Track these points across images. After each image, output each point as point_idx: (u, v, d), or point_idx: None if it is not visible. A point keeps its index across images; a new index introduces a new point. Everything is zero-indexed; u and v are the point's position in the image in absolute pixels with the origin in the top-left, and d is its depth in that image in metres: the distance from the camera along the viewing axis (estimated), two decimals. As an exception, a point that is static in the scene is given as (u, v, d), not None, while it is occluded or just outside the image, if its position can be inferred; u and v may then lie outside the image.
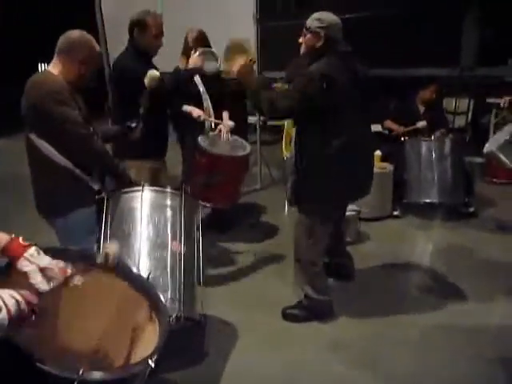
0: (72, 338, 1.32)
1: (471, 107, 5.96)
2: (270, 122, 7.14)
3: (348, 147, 2.46)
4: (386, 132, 4.72)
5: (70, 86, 2.22)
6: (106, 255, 1.43)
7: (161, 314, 1.41)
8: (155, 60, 3.03)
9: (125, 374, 1.26)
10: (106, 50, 5.63)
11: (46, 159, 2.20)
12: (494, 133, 5.23)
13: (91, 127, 2.31)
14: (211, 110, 3.48)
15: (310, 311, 2.77)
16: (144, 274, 1.98)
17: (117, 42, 3.74)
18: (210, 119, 3.39)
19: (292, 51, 2.69)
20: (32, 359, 1.12)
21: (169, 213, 2.27)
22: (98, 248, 2.12)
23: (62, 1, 8.89)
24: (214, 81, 3.40)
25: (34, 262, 1.28)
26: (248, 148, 3.17)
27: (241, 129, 3.77)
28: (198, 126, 3.40)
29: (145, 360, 1.27)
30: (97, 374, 1.19)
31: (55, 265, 1.30)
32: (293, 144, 2.85)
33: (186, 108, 3.37)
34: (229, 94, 3.74)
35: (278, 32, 5.37)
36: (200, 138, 3.05)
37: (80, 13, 6.12)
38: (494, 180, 5.02)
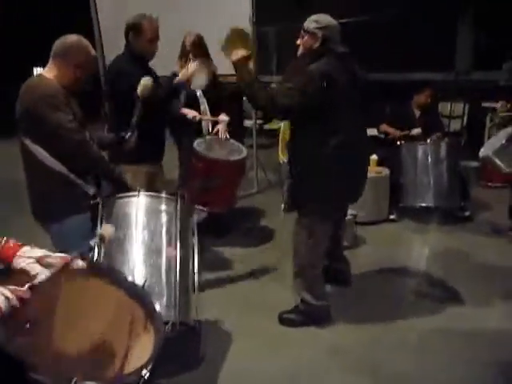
0: (66, 346, 1.30)
1: (466, 111, 5.99)
2: (266, 126, 7.16)
3: (345, 147, 2.47)
4: (382, 136, 4.73)
5: (64, 90, 2.22)
6: (102, 237, 1.42)
7: (156, 324, 1.39)
8: (152, 64, 3.02)
9: (118, 383, 1.25)
10: (103, 54, 5.63)
11: (40, 164, 2.18)
12: (489, 137, 5.26)
13: (86, 132, 2.30)
14: (208, 113, 3.48)
15: (306, 316, 2.76)
16: (139, 280, 1.97)
17: (113, 47, 3.74)
18: (206, 117, 3.39)
19: (288, 55, 2.70)
20: (24, 367, 1.10)
21: (164, 218, 2.26)
22: (93, 253, 2.12)
23: (57, 4, 8.88)
24: (211, 84, 3.40)
25: (29, 256, 1.27)
26: (244, 152, 3.17)
27: (237, 132, 3.77)
28: (195, 130, 3.40)
29: (139, 370, 1.26)
30: None
31: (52, 253, 1.30)
32: (287, 148, 2.83)
33: (182, 110, 3.37)
34: (226, 98, 3.74)
35: (274, 36, 5.38)
36: (196, 142, 3.04)
37: (76, 17, 6.11)
38: (490, 184, 5.03)
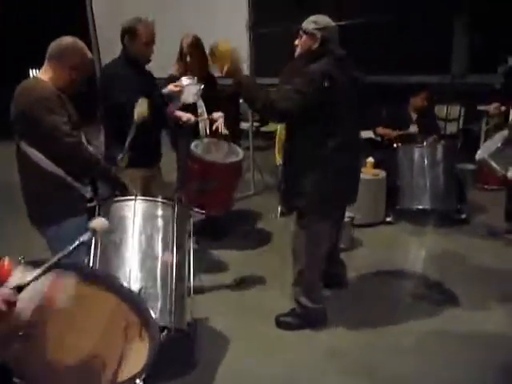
0: (60, 354, 1.29)
1: (462, 114, 6.01)
2: (263, 128, 7.16)
3: (343, 148, 2.48)
4: (379, 139, 4.74)
5: (60, 92, 2.21)
6: (94, 231, 1.39)
7: (151, 331, 1.38)
8: (150, 66, 3.02)
9: None
10: (99, 56, 5.62)
11: (36, 167, 2.17)
12: (485, 140, 5.27)
13: (81, 134, 2.29)
14: (206, 115, 3.48)
15: (303, 319, 2.76)
16: (135, 285, 1.96)
17: (109, 50, 3.74)
18: (200, 118, 3.38)
19: (285, 57, 2.70)
20: (13, 375, 1.09)
21: (160, 223, 2.26)
22: (88, 257, 2.11)
23: (53, 7, 8.87)
24: (208, 86, 3.40)
25: (20, 275, 1.24)
26: (241, 154, 3.17)
27: (234, 134, 3.77)
28: (192, 132, 3.40)
29: (132, 378, 1.24)
30: None
31: (44, 282, 1.26)
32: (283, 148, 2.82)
33: (176, 113, 3.36)
34: (223, 100, 3.74)
35: (270, 38, 5.39)
36: (193, 144, 3.04)
37: (72, 19, 6.10)
38: (486, 186, 5.05)
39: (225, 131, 3.35)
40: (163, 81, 3.02)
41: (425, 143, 3.88)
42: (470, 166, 5.02)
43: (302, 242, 2.64)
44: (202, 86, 3.24)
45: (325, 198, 2.53)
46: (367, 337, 2.68)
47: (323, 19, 2.52)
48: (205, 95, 3.48)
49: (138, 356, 1.32)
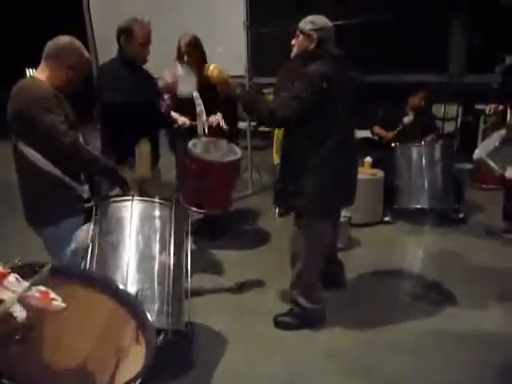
0: (56, 357, 1.27)
1: (460, 113, 6.02)
2: (260, 128, 7.15)
3: (340, 148, 2.47)
4: (376, 138, 4.74)
5: (57, 91, 2.20)
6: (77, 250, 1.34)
7: (148, 335, 1.37)
8: (147, 66, 3.01)
9: None
10: (96, 56, 5.61)
11: (33, 167, 2.16)
12: (483, 139, 5.28)
13: (79, 133, 2.28)
14: (204, 114, 3.46)
15: (301, 319, 2.75)
16: (132, 286, 1.95)
17: (107, 49, 3.73)
18: (195, 123, 3.37)
19: (282, 57, 2.70)
20: (2, 377, 1.07)
21: (158, 224, 2.24)
22: (85, 258, 2.10)
23: (50, 6, 8.85)
24: (206, 86, 3.39)
25: (13, 290, 1.22)
26: (239, 153, 3.16)
27: (232, 134, 3.76)
28: (189, 131, 3.38)
29: (129, 383, 1.23)
30: None
31: (35, 293, 1.24)
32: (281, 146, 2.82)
33: (172, 115, 3.35)
34: (222, 99, 3.73)
35: (268, 38, 5.39)
36: (191, 143, 3.03)
37: (69, 18, 6.08)
38: (483, 186, 5.06)
39: (225, 127, 3.36)
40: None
41: (423, 143, 3.89)
42: (468, 166, 5.03)
43: (301, 243, 2.63)
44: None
45: (325, 198, 2.52)
46: (366, 337, 2.68)
47: (320, 19, 2.51)
48: (203, 95, 3.48)
49: (134, 359, 1.31)
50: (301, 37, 2.51)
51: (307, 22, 2.49)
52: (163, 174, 3.27)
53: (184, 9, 5.07)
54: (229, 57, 4.69)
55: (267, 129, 6.25)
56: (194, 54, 3.48)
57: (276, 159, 4.88)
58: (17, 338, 1.10)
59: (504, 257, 3.58)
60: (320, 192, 2.50)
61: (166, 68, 3.49)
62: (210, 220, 3.80)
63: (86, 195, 2.26)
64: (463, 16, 5.85)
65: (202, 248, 3.73)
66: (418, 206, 3.73)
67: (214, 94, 3.63)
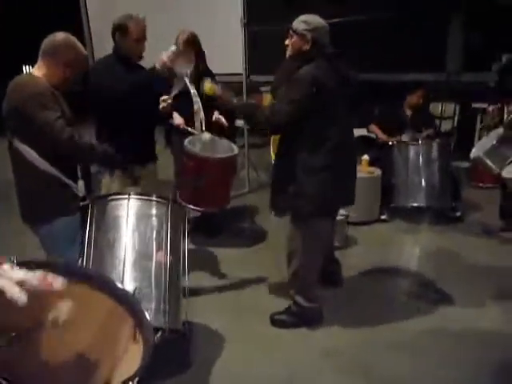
0: (53, 355, 1.26)
1: (457, 112, 6.03)
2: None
3: (339, 148, 2.46)
4: (374, 136, 4.74)
5: (53, 88, 2.18)
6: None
7: (145, 333, 1.36)
8: (147, 64, 2.99)
9: None
10: (92, 54, 5.59)
11: (28, 164, 2.15)
12: (480, 138, 5.29)
13: (75, 130, 2.27)
14: (202, 112, 3.45)
15: (298, 317, 2.75)
16: (129, 285, 1.94)
17: (103, 47, 3.71)
18: (189, 129, 3.36)
19: (280, 55, 2.68)
20: None
21: (154, 222, 2.23)
22: (82, 256, 2.09)
23: (47, 3, 8.80)
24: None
25: (9, 276, 1.21)
26: (235, 150, 3.15)
27: (229, 132, 3.75)
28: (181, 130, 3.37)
29: (125, 382, 1.22)
30: None
31: (33, 276, 1.23)
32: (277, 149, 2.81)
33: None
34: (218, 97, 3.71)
35: (265, 36, 5.37)
36: (187, 141, 3.02)
37: (66, 15, 6.05)
38: (480, 184, 5.07)
39: (226, 124, 3.36)
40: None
41: (420, 141, 3.89)
42: (465, 164, 5.04)
43: (298, 242, 2.63)
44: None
45: (324, 198, 2.50)
46: (362, 335, 2.68)
47: (313, 19, 2.48)
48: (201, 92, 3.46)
49: (132, 358, 1.30)
50: (295, 37, 2.48)
51: (300, 22, 2.46)
52: (160, 172, 3.26)
53: (181, 7, 5.05)
54: (226, 55, 4.69)
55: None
56: (192, 49, 3.47)
57: (273, 157, 4.86)
58: (13, 335, 1.09)
59: (501, 255, 3.58)
60: (319, 192, 2.48)
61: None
62: (206, 218, 3.79)
63: (81, 194, 2.24)
64: (461, 15, 5.86)
65: (199, 246, 3.72)
66: (415, 205, 3.73)
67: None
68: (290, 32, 2.50)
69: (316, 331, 2.72)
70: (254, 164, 5.45)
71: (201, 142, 3.19)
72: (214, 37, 4.33)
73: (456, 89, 5.66)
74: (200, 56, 3.57)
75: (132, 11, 2.87)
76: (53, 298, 1.25)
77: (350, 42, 5.07)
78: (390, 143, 3.98)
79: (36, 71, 2.21)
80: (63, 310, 1.26)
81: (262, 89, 6.78)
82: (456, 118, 6.02)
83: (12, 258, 1.28)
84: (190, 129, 3.33)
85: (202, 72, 3.47)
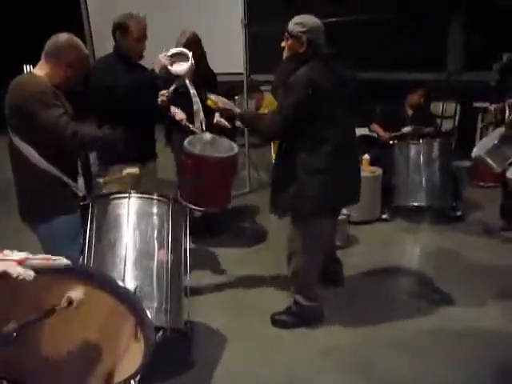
0: (55, 353, 1.27)
1: (458, 111, 6.02)
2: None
3: (339, 148, 2.46)
4: (375, 135, 4.73)
5: (55, 88, 2.19)
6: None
7: (146, 332, 1.36)
8: (146, 62, 2.99)
9: None
10: (93, 53, 5.59)
11: (29, 163, 2.15)
12: (480, 137, 5.28)
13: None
14: (201, 112, 3.45)
15: (298, 317, 2.75)
16: (130, 284, 1.94)
17: (104, 46, 3.70)
18: (191, 126, 3.35)
19: (280, 54, 2.68)
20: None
21: (155, 221, 2.23)
22: (83, 255, 2.09)
23: (48, 3, 8.81)
24: (206, 83, 3.38)
25: (10, 259, 1.22)
26: (235, 149, 3.14)
27: (229, 132, 3.75)
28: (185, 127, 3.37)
29: (126, 380, 1.23)
30: None
31: (33, 255, 1.24)
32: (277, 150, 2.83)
33: (171, 109, 3.33)
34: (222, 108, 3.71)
35: (266, 35, 5.37)
36: (187, 140, 3.02)
37: (66, 14, 6.06)
38: (481, 184, 5.06)
39: (229, 126, 3.36)
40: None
41: (421, 140, 3.89)
42: (466, 163, 5.03)
43: (298, 242, 2.62)
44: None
45: (324, 199, 2.49)
46: (363, 335, 2.68)
47: (308, 20, 2.46)
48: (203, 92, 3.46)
49: (133, 356, 1.30)
50: (290, 40, 2.47)
51: (295, 24, 2.45)
52: (160, 171, 3.26)
53: (182, 7, 5.05)
54: (227, 54, 4.69)
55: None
56: (192, 50, 3.46)
57: (274, 157, 4.86)
58: (14, 335, 1.09)
59: (501, 255, 3.58)
60: (319, 193, 2.47)
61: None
62: (207, 217, 3.79)
63: (81, 193, 2.24)
64: (462, 16, 5.85)
65: (200, 245, 3.72)
66: (416, 204, 3.73)
67: (215, 90, 3.63)
68: (286, 34, 2.50)
69: (316, 331, 2.72)
70: (255, 164, 5.44)
71: (201, 141, 3.19)
72: (215, 36, 4.33)
73: (457, 88, 5.66)
74: (201, 56, 3.56)
75: (132, 10, 2.87)
76: (57, 288, 1.26)
77: (352, 41, 5.08)
78: (391, 142, 3.99)
79: (38, 71, 2.22)
80: (79, 291, 1.27)
81: (263, 88, 6.79)
82: (457, 118, 6.02)
83: None
84: (191, 126, 3.33)
85: (202, 72, 3.46)
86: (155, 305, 2.05)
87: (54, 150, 2.17)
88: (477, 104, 5.62)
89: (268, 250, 3.76)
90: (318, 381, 2.37)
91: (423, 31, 5.67)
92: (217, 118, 3.47)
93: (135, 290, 1.75)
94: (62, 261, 1.26)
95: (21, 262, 1.18)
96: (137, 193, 2.26)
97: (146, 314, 1.41)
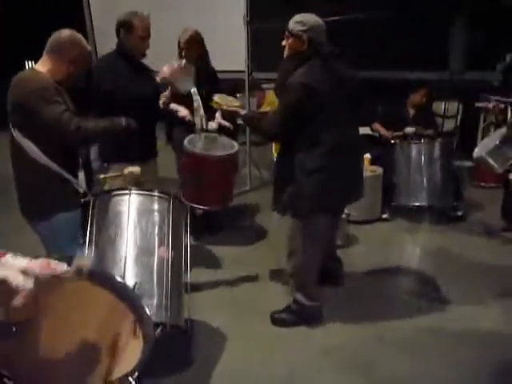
0: (53, 350, 1.27)
1: (460, 111, 6.01)
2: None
3: (340, 148, 2.45)
4: (377, 134, 4.73)
5: (58, 84, 2.19)
6: (79, 268, 1.31)
7: (145, 329, 1.36)
8: (148, 63, 2.98)
9: None
10: (96, 50, 5.59)
11: (29, 159, 2.15)
12: (482, 137, 5.27)
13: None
14: (202, 110, 3.44)
15: (298, 316, 2.75)
16: (130, 280, 1.94)
17: (106, 44, 3.70)
18: (196, 112, 3.34)
19: (282, 52, 2.68)
20: None
21: (156, 217, 2.23)
22: (83, 252, 2.09)
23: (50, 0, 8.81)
24: (207, 80, 3.38)
25: (9, 266, 1.22)
26: (236, 147, 3.14)
27: (230, 129, 3.75)
28: (187, 124, 3.36)
29: (125, 376, 1.23)
30: None
31: (35, 262, 1.24)
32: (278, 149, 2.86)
33: (173, 106, 3.33)
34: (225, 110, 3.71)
35: (267, 33, 5.36)
36: (187, 139, 3.01)
37: (69, 12, 6.05)
38: (483, 184, 5.05)
39: (231, 127, 3.35)
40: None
41: (422, 140, 3.88)
42: (467, 163, 5.02)
43: (299, 241, 2.62)
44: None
45: (323, 198, 2.49)
46: (363, 334, 2.68)
47: (309, 19, 2.45)
48: (201, 90, 3.46)
49: (132, 353, 1.30)
50: (291, 39, 2.47)
51: (295, 22, 2.44)
52: (160, 169, 3.26)
53: (184, 4, 5.04)
54: (229, 52, 4.68)
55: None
56: (194, 48, 3.46)
57: (275, 155, 4.86)
58: (14, 330, 1.09)
59: (502, 255, 3.58)
60: (317, 192, 2.48)
61: (164, 64, 3.48)
62: (207, 215, 3.79)
63: (81, 189, 2.24)
64: (465, 15, 5.84)
65: (200, 243, 3.73)
66: (417, 204, 3.73)
67: (212, 89, 3.63)
68: (286, 33, 2.49)
69: (316, 329, 2.72)
70: (256, 162, 5.44)
71: (201, 140, 3.18)
72: (217, 34, 4.32)
73: (459, 88, 5.65)
74: (203, 54, 3.56)
75: (134, 8, 2.86)
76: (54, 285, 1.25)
77: (354, 39, 5.07)
78: (393, 142, 3.98)
79: (40, 67, 2.22)
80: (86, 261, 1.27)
81: (264, 86, 6.78)
82: (459, 117, 6.01)
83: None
84: (196, 120, 3.32)
85: (203, 70, 3.46)
86: (155, 301, 2.05)
87: (57, 146, 2.17)
88: (479, 104, 5.61)
89: (268, 248, 3.76)
90: (318, 379, 2.37)
91: (426, 30, 5.66)
92: (217, 118, 3.46)
93: (134, 286, 1.74)
94: (63, 266, 1.25)
95: (23, 271, 1.16)
96: (137, 189, 2.26)
97: (145, 312, 1.42)
